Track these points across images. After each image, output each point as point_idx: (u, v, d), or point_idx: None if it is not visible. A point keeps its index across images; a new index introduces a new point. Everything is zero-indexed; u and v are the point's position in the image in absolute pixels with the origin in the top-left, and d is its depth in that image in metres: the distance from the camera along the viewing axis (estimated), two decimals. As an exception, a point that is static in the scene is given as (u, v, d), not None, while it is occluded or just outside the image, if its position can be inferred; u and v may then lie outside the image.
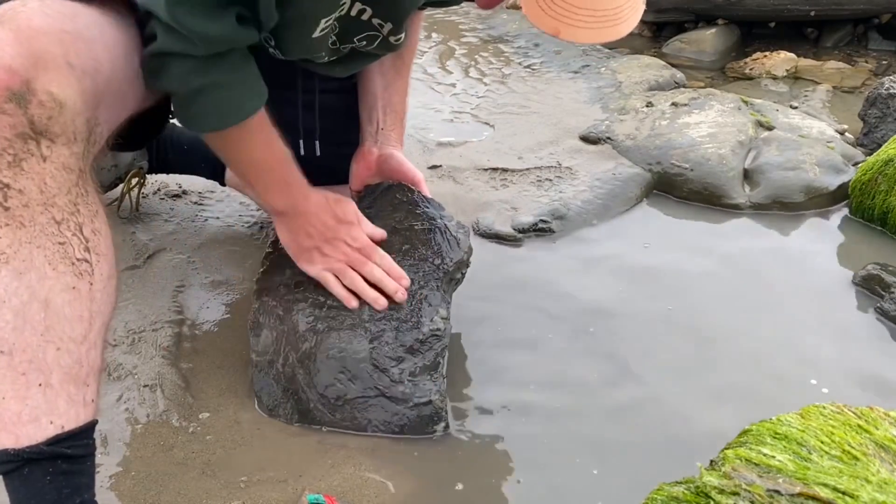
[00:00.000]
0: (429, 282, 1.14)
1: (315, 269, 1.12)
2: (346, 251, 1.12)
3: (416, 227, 1.20)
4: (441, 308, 1.13)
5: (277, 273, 1.17)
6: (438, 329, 1.11)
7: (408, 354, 1.08)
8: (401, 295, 1.10)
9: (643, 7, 0.82)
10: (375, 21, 1.06)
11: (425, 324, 1.10)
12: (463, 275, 1.23)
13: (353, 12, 1.03)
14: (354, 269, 1.11)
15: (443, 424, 1.07)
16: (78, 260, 0.79)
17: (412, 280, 1.13)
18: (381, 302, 1.10)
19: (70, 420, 0.79)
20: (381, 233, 1.16)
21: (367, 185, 1.29)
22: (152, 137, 1.23)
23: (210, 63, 0.93)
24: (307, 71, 1.23)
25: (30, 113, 0.74)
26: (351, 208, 1.14)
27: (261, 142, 1.05)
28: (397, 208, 1.22)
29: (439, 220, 1.21)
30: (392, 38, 1.11)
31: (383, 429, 1.06)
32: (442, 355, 1.10)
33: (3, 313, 0.75)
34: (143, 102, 0.97)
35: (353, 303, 1.10)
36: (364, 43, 1.10)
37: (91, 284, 0.81)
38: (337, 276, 1.11)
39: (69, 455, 0.78)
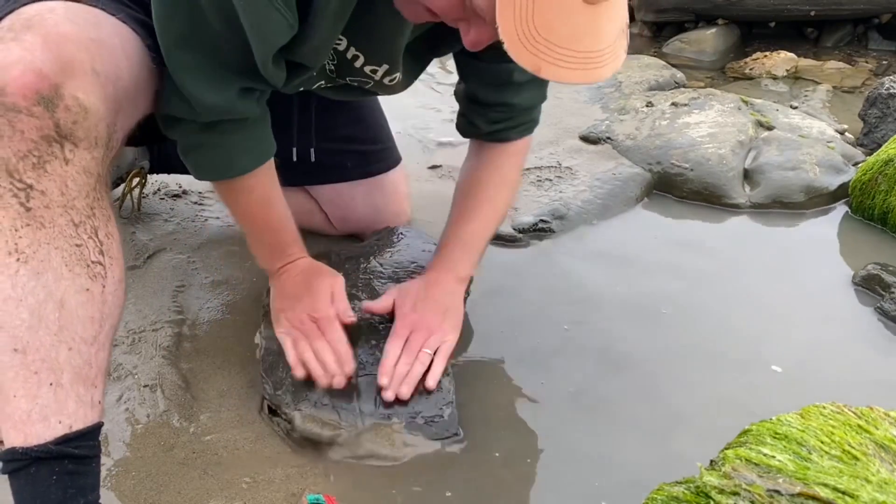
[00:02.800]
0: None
1: (278, 330, 1.13)
2: (304, 320, 1.10)
3: (423, 251, 1.30)
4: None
5: None
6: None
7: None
8: (337, 381, 1.05)
9: (624, 55, 0.81)
10: (368, 69, 1.06)
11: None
12: None
13: (348, 56, 1.04)
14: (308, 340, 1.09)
15: (451, 405, 1.07)
16: (93, 262, 0.81)
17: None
18: (323, 381, 1.05)
19: (78, 420, 0.79)
20: (350, 317, 1.10)
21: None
22: (155, 138, 1.23)
23: (209, 126, 1.00)
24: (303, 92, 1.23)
25: (56, 117, 0.76)
26: (326, 282, 1.13)
27: (256, 201, 1.10)
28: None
29: None
30: (387, 80, 1.09)
31: (392, 405, 1.05)
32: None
33: (20, 312, 0.76)
34: (152, 108, 0.99)
35: (298, 371, 1.06)
36: (356, 84, 1.11)
37: (104, 287, 0.82)
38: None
39: (76, 455, 0.79)
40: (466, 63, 1.17)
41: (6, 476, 0.78)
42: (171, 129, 1.01)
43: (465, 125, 1.23)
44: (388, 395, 1.04)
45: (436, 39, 1.08)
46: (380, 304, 1.15)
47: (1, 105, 0.74)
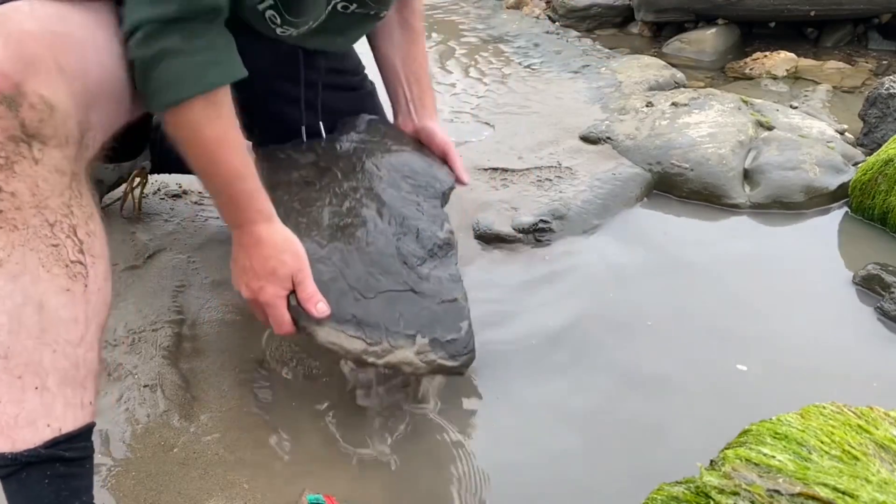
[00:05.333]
0: (433, 200, 1.20)
1: (237, 287, 1.05)
2: (258, 304, 1.03)
3: (413, 157, 1.28)
4: (447, 222, 1.18)
5: (283, 172, 1.18)
6: (449, 239, 1.16)
7: (429, 256, 1.11)
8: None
9: None
10: None
11: (439, 232, 1.15)
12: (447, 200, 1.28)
13: None
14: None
15: (467, 323, 1.06)
16: (72, 262, 0.79)
17: (419, 203, 1.18)
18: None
19: (67, 423, 0.79)
20: (324, 311, 1.00)
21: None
22: (145, 146, 1.23)
23: (174, 27, 0.88)
24: (310, 63, 1.23)
25: (21, 116, 0.74)
26: (287, 270, 1.00)
27: (216, 139, 0.95)
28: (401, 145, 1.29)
29: (428, 153, 1.31)
30: None
31: (414, 323, 1.03)
32: (455, 265, 1.14)
33: None
34: (140, 107, 0.96)
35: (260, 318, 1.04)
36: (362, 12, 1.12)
37: (86, 286, 0.81)
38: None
39: (67, 458, 0.78)
40: None
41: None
42: (131, 43, 0.88)
43: None
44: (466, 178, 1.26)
45: None
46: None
47: None
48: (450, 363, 1.03)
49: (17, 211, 0.75)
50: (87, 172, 0.84)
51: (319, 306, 1.00)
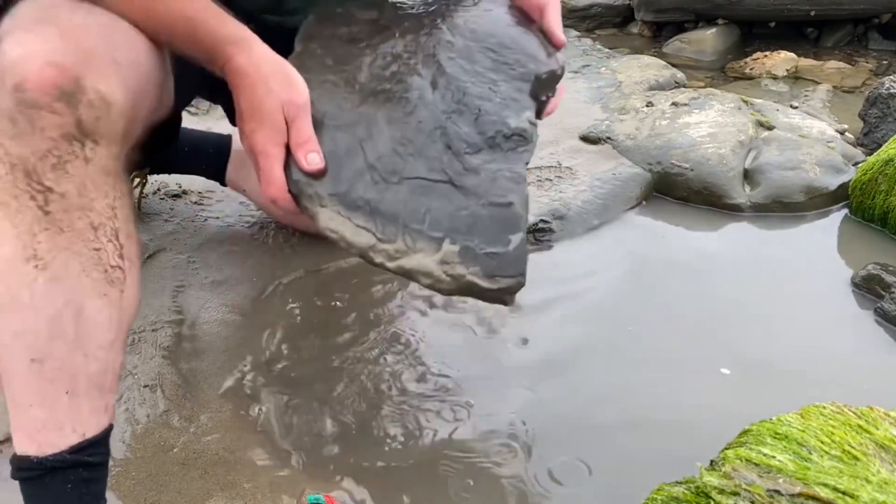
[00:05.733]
0: (518, 83, 0.95)
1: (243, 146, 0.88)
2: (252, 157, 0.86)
3: (508, 26, 1.00)
4: (530, 111, 0.93)
5: (330, 25, 0.96)
6: (525, 130, 0.90)
7: (487, 146, 0.87)
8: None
9: None
10: None
11: (511, 119, 0.90)
12: (548, 98, 1.02)
13: None
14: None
15: (520, 237, 0.82)
16: (112, 267, 0.77)
17: (494, 82, 0.93)
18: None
19: (91, 427, 0.78)
20: (315, 164, 0.82)
21: None
22: (163, 149, 1.19)
23: None
24: None
25: (78, 113, 0.71)
26: (276, 104, 0.81)
27: None
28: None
29: (533, 27, 1.03)
30: None
31: (444, 224, 0.81)
32: (524, 165, 0.89)
33: (38, 322, 0.73)
34: (166, 106, 0.92)
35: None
36: None
37: (122, 292, 0.79)
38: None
39: (90, 463, 0.77)
40: None
41: (7, 478, 0.78)
42: None
43: None
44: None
45: None
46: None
47: (21, 101, 0.69)
48: (484, 283, 0.80)
49: (64, 213, 0.73)
50: (125, 168, 0.80)
51: (311, 157, 0.80)
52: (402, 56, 0.93)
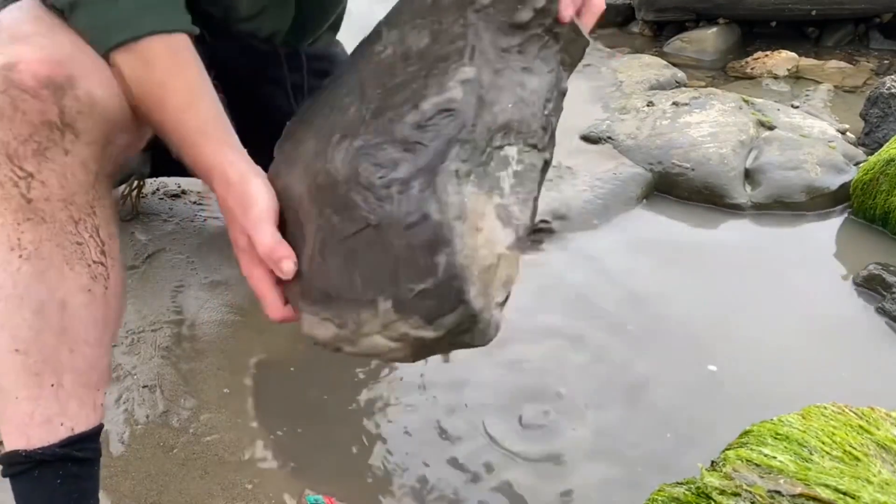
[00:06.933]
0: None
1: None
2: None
3: None
4: (467, 68, 0.71)
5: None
6: (453, 100, 0.69)
7: (405, 154, 0.68)
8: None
9: None
10: None
11: (430, 96, 0.69)
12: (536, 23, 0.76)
13: None
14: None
15: (445, 256, 0.65)
16: (94, 262, 0.78)
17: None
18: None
19: (80, 423, 0.78)
20: (287, 272, 0.74)
21: None
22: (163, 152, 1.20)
23: None
24: (293, 65, 1.21)
25: (62, 103, 0.72)
26: (237, 228, 0.77)
27: (177, 69, 0.79)
28: None
29: None
30: None
31: (373, 278, 0.67)
32: (454, 142, 0.68)
33: (22, 311, 0.74)
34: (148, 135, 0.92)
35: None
36: None
37: (105, 288, 0.80)
38: None
39: (79, 458, 0.77)
40: None
41: (4, 478, 0.78)
42: None
43: None
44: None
45: None
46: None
47: (7, 80, 0.70)
48: (430, 334, 0.66)
49: (45, 202, 0.74)
50: (108, 175, 0.82)
51: (282, 265, 0.73)
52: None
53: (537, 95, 0.77)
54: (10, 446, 0.76)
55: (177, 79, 0.79)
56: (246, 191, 0.76)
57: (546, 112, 0.78)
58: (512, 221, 0.72)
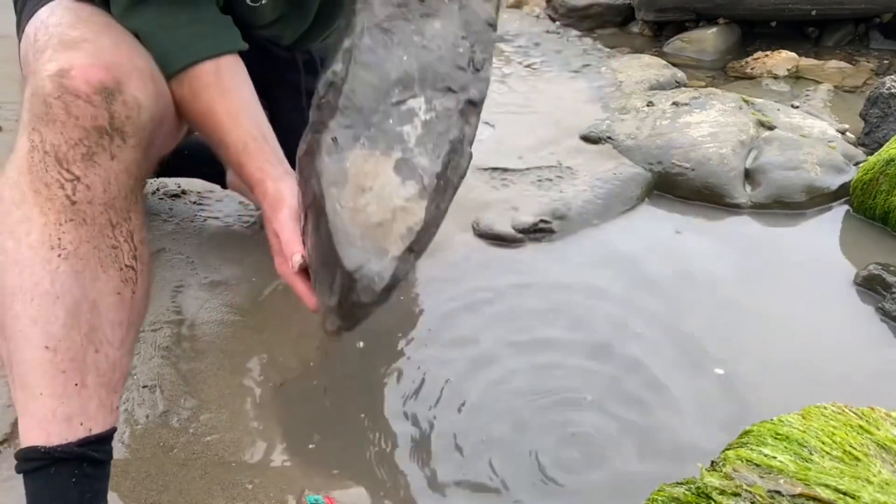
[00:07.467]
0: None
1: None
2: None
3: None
4: (347, 39, 0.75)
5: None
6: (335, 73, 0.74)
7: (309, 135, 0.77)
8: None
9: None
10: None
11: (323, 76, 0.76)
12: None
13: None
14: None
15: (324, 218, 0.71)
16: (126, 266, 0.81)
17: None
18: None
19: (98, 424, 0.79)
20: (298, 262, 0.83)
21: None
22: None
23: (137, 6, 0.88)
24: (310, 69, 1.23)
25: (112, 109, 0.76)
26: (268, 212, 0.88)
27: (221, 94, 0.89)
28: None
29: None
30: None
31: (328, 270, 0.74)
32: (334, 111, 0.73)
33: (56, 309, 0.75)
34: (182, 131, 1.00)
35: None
36: None
37: (133, 293, 0.82)
38: None
39: (95, 459, 0.78)
40: None
41: (8, 477, 0.78)
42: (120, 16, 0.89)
43: None
44: None
45: None
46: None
47: (61, 86, 0.74)
48: (332, 301, 0.75)
49: (88, 205, 0.77)
50: (143, 187, 0.86)
51: (294, 259, 0.82)
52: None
53: (442, 38, 0.77)
54: (27, 442, 0.76)
55: (220, 104, 0.89)
56: (277, 198, 0.85)
57: (460, 50, 0.77)
58: (416, 173, 0.73)
